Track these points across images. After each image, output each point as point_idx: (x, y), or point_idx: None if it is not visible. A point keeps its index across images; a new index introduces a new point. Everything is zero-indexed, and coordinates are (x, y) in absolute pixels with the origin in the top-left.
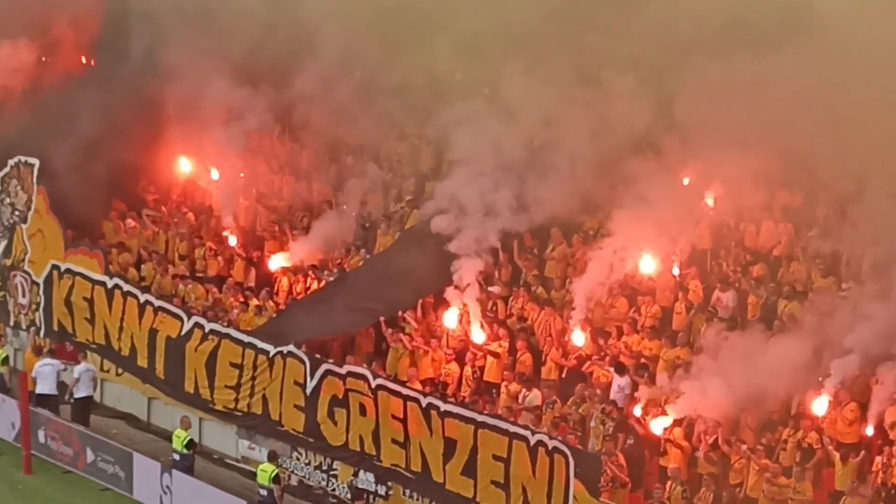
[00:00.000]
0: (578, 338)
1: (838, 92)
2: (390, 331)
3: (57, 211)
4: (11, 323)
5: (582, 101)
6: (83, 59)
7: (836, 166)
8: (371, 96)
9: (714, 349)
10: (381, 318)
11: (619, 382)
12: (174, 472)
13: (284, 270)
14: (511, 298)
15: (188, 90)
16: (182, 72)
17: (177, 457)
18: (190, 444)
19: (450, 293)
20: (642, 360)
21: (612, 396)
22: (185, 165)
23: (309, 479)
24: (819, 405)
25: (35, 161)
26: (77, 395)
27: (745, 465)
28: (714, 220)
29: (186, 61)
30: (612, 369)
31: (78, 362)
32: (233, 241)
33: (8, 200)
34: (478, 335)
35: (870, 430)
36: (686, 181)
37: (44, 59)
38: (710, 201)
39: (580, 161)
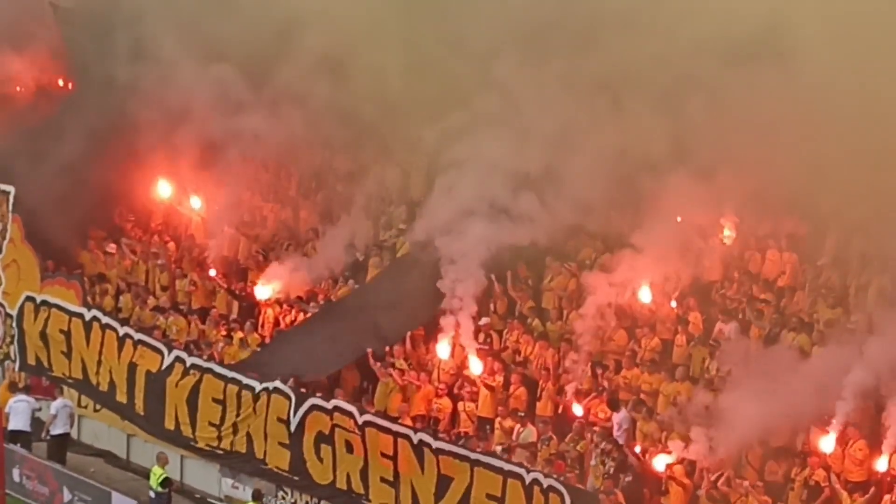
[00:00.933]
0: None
1: (842, 118)
2: (378, 364)
3: (33, 240)
4: None
5: (582, 130)
6: (60, 83)
7: (842, 193)
8: (360, 122)
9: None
10: (369, 351)
11: (616, 418)
12: None
13: (269, 302)
14: (505, 331)
15: (168, 115)
16: (162, 97)
17: (152, 495)
18: (165, 483)
19: (444, 323)
20: (641, 396)
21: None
22: (165, 192)
23: None
24: (826, 443)
25: (10, 189)
26: (54, 432)
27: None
28: (717, 249)
29: (167, 86)
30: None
31: (54, 398)
32: (212, 272)
33: None
34: (476, 366)
35: (883, 465)
36: (687, 210)
37: (18, 88)
38: (714, 230)
39: (578, 191)
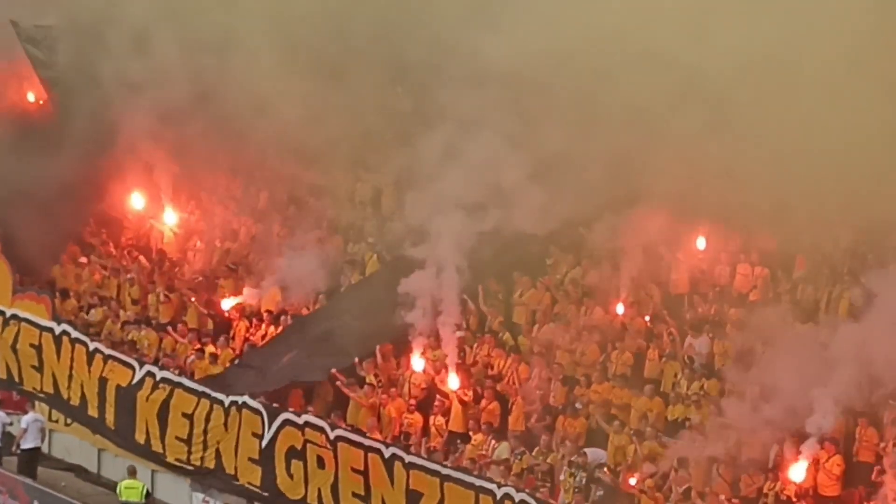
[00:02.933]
0: None
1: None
2: (347, 383)
3: (7, 254)
4: None
5: (558, 145)
6: (33, 99)
7: (811, 208)
8: (329, 137)
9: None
10: (334, 371)
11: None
12: None
13: (240, 316)
14: (476, 345)
15: (140, 132)
16: (133, 114)
17: None
18: (148, 495)
19: (415, 337)
20: (612, 410)
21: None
22: (137, 206)
23: None
24: (796, 472)
25: None
26: (24, 447)
27: None
28: (688, 264)
29: (138, 102)
30: None
31: (25, 412)
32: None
33: None
34: (453, 381)
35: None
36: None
37: None
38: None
39: (550, 203)
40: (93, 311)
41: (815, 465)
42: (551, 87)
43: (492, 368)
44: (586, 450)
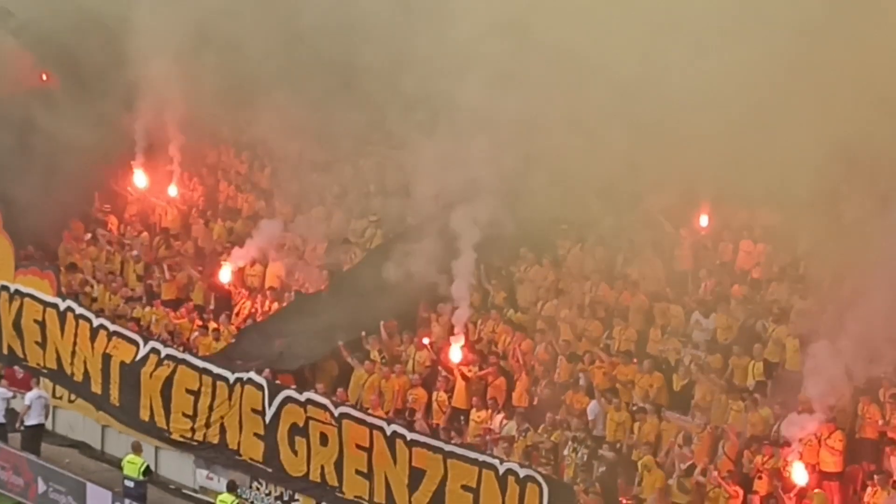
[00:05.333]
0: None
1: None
2: (352, 357)
3: (10, 230)
4: None
5: (570, 120)
6: (42, 77)
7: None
8: (334, 112)
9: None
10: (340, 344)
11: (593, 410)
12: (127, 501)
13: (243, 294)
14: (480, 321)
15: (147, 109)
16: (141, 90)
17: (130, 484)
18: (147, 471)
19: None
20: (616, 385)
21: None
22: (141, 183)
23: None
24: (798, 474)
25: None
26: (28, 423)
27: (720, 494)
28: (692, 240)
29: (146, 78)
30: None
31: (29, 388)
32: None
33: None
34: (457, 355)
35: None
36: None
37: None
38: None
39: (552, 182)
40: (97, 287)
41: (818, 441)
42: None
43: (496, 345)
44: (588, 407)
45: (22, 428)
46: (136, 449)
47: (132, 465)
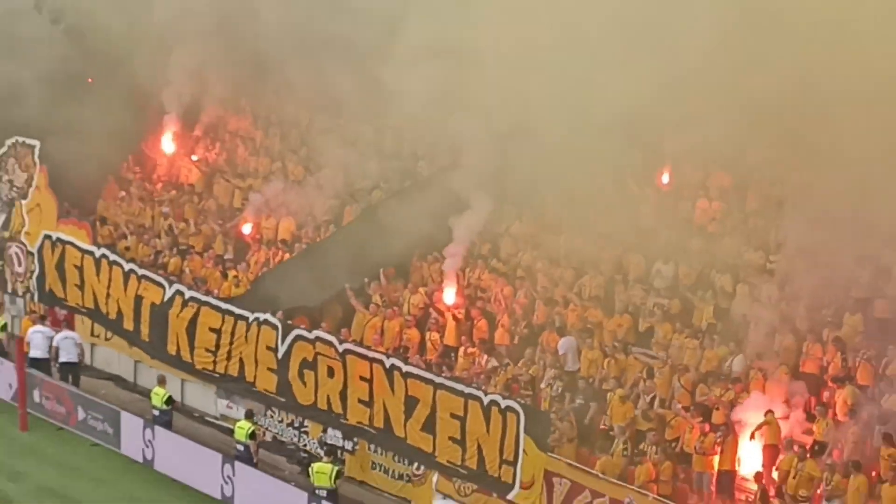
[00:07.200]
0: None
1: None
2: (356, 300)
3: (55, 187)
4: (9, 290)
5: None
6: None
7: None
8: (338, 84)
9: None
10: (347, 287)
11: (561, 345)
12: (157, 428)
13: (259, 244)
14: (468, 270)
15: (174, 83)
16: (168, 67)
17: (156, 412)
18: (169, 401)
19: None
20: (587, 326)
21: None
22: (169, 148)
23: (282, 435)
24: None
25: (35, 142)
26: (61, 361)
27: (681, 423)
28: (655, 199)
29: (173, 56)
30: None
31: (71, 327)
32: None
33: (6, 178)
34: (448, 297)
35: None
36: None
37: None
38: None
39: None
40: (130, 238)
41: (763, 376)
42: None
43: (482, 291)
44: (559, 343)
45: (57, 365)
46: (161, 382)
47: (157, 396)
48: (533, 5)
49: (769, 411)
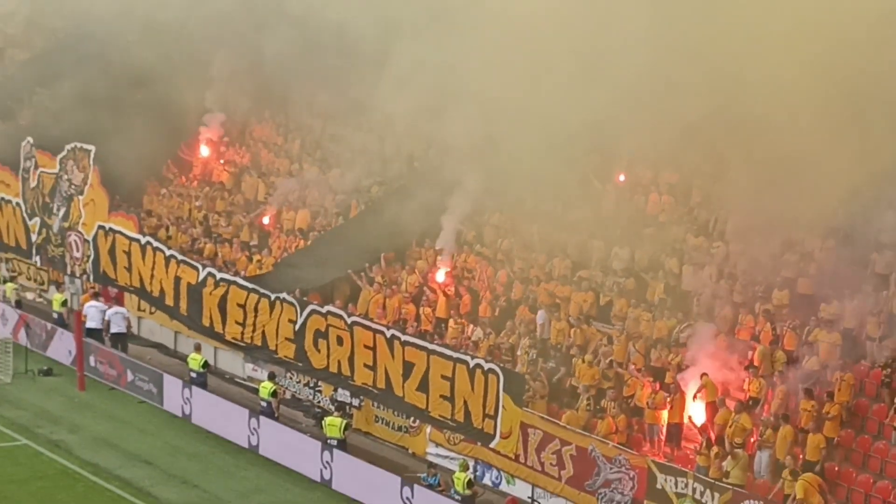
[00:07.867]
0: None
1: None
2: (361, 279)
3: (107, 185)
4: (69, 272)
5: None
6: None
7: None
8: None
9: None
10: (350, 271)
11: (538, 316)
12: (194, 388)
13: (279, 233)
14: (456, 254)
15: (208, 96)
16: (202, 83)
17: (193, 374)
18: (205, 365)
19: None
20: (556, 301)
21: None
22: (203, 151)
23: (299, 394)
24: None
25: (91, 147)
26: (112, 332)
27: (636, 382)
28: (614, 193)
29: (206, 74)
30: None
31: (120, 304)
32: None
33: (66, 177)
34: (440, 277)
35: None
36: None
37: None
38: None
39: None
40: (170, 227)
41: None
42: None
43: (468, 272)
44: (537, 316)
45: (108, 336)
46: (197, 349)
47: (195, 361)
48: (508, 36)
49: (704, 374)
